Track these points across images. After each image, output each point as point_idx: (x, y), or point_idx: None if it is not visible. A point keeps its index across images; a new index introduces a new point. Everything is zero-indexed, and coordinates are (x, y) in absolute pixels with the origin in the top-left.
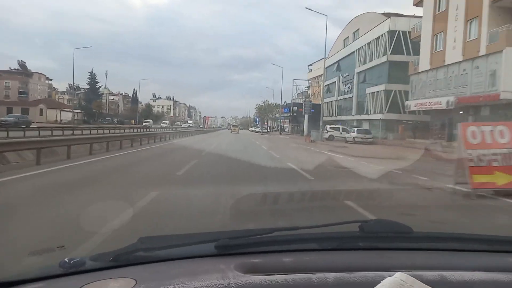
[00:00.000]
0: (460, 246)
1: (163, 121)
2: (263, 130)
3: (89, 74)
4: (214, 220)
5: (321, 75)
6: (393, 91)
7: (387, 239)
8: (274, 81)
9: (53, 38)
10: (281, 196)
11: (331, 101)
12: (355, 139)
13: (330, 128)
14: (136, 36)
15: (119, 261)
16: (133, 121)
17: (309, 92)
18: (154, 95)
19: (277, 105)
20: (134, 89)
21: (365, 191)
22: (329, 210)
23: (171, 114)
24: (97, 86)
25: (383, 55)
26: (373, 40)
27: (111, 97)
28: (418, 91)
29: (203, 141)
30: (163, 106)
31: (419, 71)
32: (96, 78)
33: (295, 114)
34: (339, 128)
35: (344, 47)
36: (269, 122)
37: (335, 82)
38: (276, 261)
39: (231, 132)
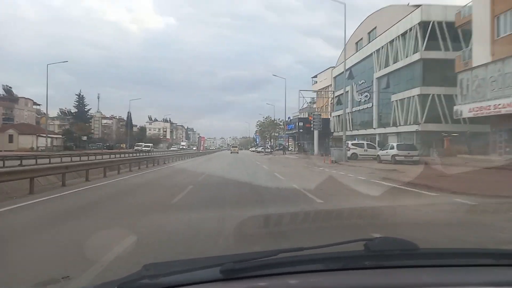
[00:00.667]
0: (467, 261)
1: (145, 144)
2: (266, 150)
3: (77, 96)
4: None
5: (328, 87)
6: (431, 96)
7: (393, 257)
8: (272, 101)
9: (50, 65)
10: (284, 217)
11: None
12: (396, 157)
13: (353, 144)
14: (133, 60)
15: None
16: (123, 145)
17: (315, 106)
18: (150, 118)
19: (279, 123)
20: (128, 112)
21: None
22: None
23: (168, 137)
24: (85, 109)
25: (414, 53)
26: (398, 36)
27: (104, 121)
28: (473, 92)
29: (189, 169)
30: (159, 129)
31: (473, 66)
32: (85, 100)
33: (301, 130)
34: (363, 144)
35: (357, 51)
36: (272, 140)
37: (347, 92)
38: (282, 284)
39: (231, 152)
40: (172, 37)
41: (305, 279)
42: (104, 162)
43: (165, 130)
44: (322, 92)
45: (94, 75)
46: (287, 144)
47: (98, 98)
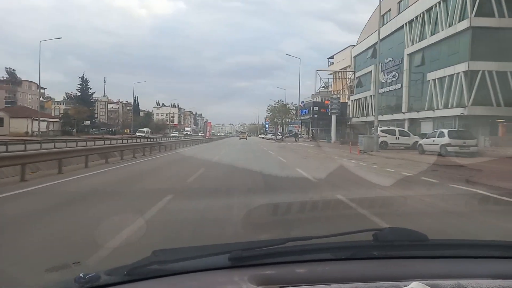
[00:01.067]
0: (477, 253)
1: (139, 129)
2: (277, 137)
3: (80, 79)
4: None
5: (346, 68)
6: (480, 73)
7: (402, 248)
8: (282, 87)
9: (60, 52)
10: (293, 206)
11: (364, 98)
12: (447, 148)
13: (382, 131)
14: (142, 46)
15: (134, 275)
16: (127, 130)
17: (331, 89)
18: (157, 103)
19: (291, 107)
20: (135, 97)
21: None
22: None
23: (175, 122)
24: (89, 93)
25: (460, 20)
26: (439, 2)
27: (110, 106)
28: None
29: (189, 159)
30: (167, 114)
31: None
32: (89, 84)
33: (315, 116)
34: (394, 131)
35: (384, 24)
36: (283, 127)
37: (369, 72)
38: (290, 272)
39: (240, 139)
40: (181, 22)
41: (313, 268)
42: (81, 150)
43: (172, 115)
44: (340, 74)
45: (103, 61)
46: (298, 131)
47: (105, 82)
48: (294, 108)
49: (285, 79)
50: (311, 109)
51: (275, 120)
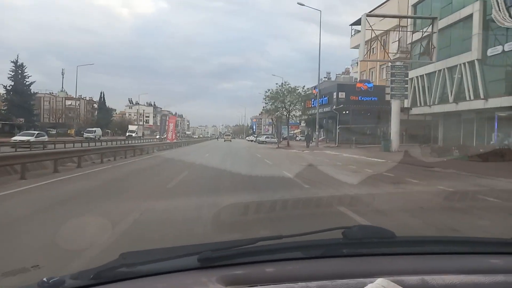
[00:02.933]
0: (443, 249)
1: (88, 129)
2: (271, 138)
3: (13, 64)
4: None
5: (387, 33)
6: None
7: (370, 245)
8: (265, 88)
9: (39, 51)
10: (263, 205)
11: (446, 69)
12: None
13: None
14: (124, 46)
15: (101, 278)
16: (72, 131)
17: (357, 70)
18: (130, 101)
19: (302, 92)
20: (101, 92)
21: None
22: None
23: (151, 123)
24: (26, 82)
25: None
26: None
27: (69, 102)
28: None
29: None
30: (140, 114)
31: None
32: (25, 69)
33: (341, 106)
34: None
35: None
36: (288, 122)
37: (468, 18)
38: (259, 272)
39: (224, 140)
40: (164, 22)
41: (282, 267)
42: None
43: (148, 115)
44: (384, 37)
45: (84, 61)
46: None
47: (63, 74)
48: (305, 93)
49: (268, 80)
50: (335, 96)
51: (277, 113)
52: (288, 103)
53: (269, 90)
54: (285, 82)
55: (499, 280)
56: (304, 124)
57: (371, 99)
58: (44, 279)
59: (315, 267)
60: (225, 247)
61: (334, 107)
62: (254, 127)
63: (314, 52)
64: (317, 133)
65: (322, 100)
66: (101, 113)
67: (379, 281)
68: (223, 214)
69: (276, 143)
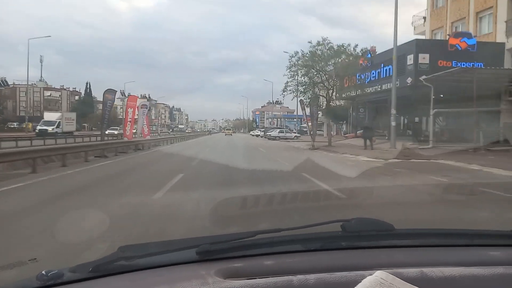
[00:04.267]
0: (441, 241)
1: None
2: (284, 133)
3: None
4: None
5: None
6: None
7: (369, 238)
8: (264, 82)
9: (38, 46)
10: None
11: None
12: None
13: None
14: (123, 40)
15: (99, 271)
16: (30, 125)
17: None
18: (122, 93)
19: (351, 51)
20: (87, 83)
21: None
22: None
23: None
24: None
25: None
26: None
27: (48, 93)
28: None
29: None
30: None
31: None
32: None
33: (428, 77)
34: None
35: None
36: (329, 103)
37: None
38: (257, 265)
39: (225, 135)
40: (163, 15)
41: (281, 259)
42: None
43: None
44: None
45: (83, 55)
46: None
47: (41, 62)
48: (356, 53)
49: (267, 73)
50: (410, 61)
51: (314, 91)
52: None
53: (296, 53)
54: (325, 39)
55: (498, 272)
56: (321, 115)
57: (473, 65)
58: (43, 272)
59: (313, 259)
60: (223, 240)
61: (410, 81)
62: (257, 120)
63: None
64: (393, 123)
65: (375, 74)
66: (85, 106)
67: (378, 273)
68: None
69: (292, 139)
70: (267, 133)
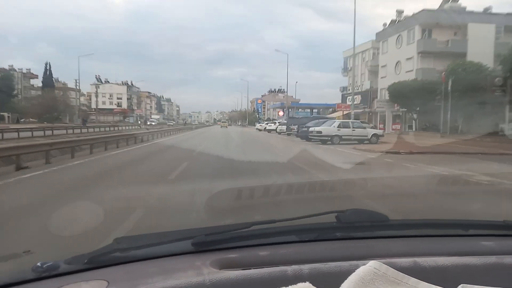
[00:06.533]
0: (435, 232)
1: None
2: (367, 129)
3: None
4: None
5: None
6: None
7: (363, 228)
8: (260, 76)
9: (30, 37)
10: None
11: None
12: None
13: None
14: (117, 32)
15: (94, 263)
16: None
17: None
18: (98, 79)
19: None
20: (46, 63)
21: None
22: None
23: (123, 106)
24: None
25: None
26: None
27: None
28: None
29: None
30: (110, 95)
31: None
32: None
33: None
34: None
35: None
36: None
37: None
38: (252, 255)
39: (221, 127)
40: (158, 6)
41: (276, 250)
42: None
43: (120, 96)
44: None
45: (76, 47)
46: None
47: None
48: None
49: (264, 67)
50: None
51: None
52: None
53: None
54: None
55: (491, 262)
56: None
57: None
58: (39, 263)
59: (308, 250)
60: (219, 231)
61: None
62: (259, 110)
63: (310, 38)
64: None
65: None
66: (45, 92)
67: (372, 263)
68: None
69: (369, 139)
70: (303, 128)
